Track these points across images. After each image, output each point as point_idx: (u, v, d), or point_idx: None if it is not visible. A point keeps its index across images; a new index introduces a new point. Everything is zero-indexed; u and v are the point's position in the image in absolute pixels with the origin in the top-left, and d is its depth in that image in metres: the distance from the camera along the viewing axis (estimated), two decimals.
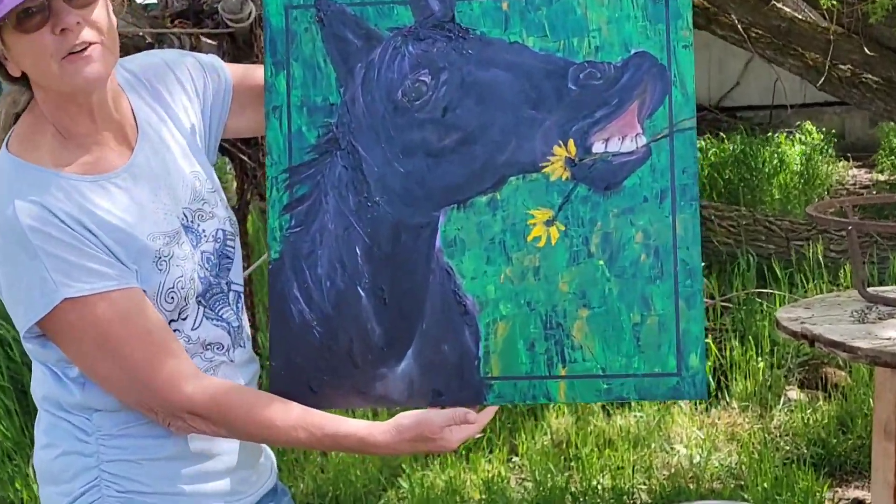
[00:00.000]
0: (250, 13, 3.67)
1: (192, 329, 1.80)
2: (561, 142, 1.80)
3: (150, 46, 3.84)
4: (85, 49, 1.66)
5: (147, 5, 4.30)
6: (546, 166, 1.80)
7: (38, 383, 1.82)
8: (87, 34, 1.67)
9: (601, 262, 1.80)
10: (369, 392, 1.82)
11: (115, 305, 1.69)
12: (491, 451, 4.13)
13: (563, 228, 1.80)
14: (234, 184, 4.44)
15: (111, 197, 1.73)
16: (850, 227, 2.75)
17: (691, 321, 1.79)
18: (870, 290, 2.84)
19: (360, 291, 1.82)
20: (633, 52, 1.80)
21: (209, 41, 3.74)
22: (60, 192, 1.68)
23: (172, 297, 1.75)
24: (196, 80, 1.92)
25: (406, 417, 1.77)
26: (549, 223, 1.81)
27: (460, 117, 1.81)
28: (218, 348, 1.84)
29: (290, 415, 1.75)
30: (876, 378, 2.70)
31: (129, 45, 4.11)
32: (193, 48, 3.60)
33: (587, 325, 1.79)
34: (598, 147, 1.79)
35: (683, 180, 1.79)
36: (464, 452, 4.06)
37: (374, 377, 1.81)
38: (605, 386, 1.79)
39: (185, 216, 1.82)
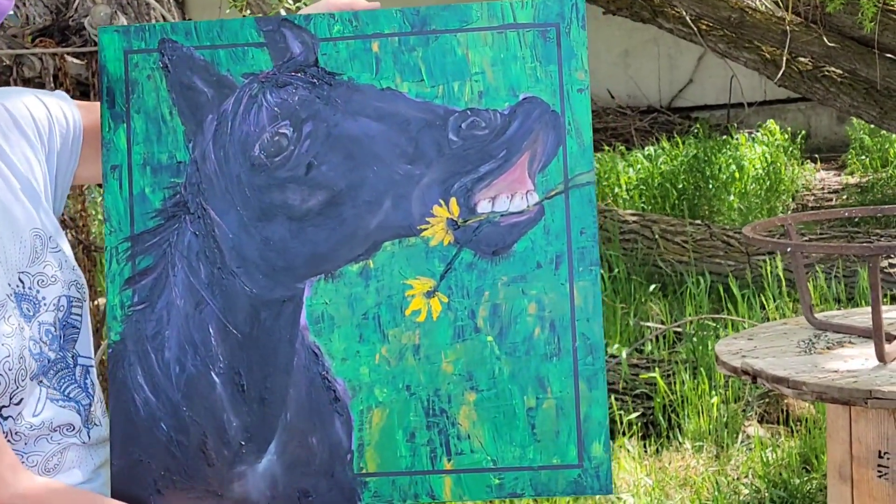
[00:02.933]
0: None
1: (33, 415, 1.67)
2: (442, 201, 1.69)
3: (8, 70, 3.70)
4: None
5: (1, 24, 4.17)
6: (425, 229, 1.69)
7: None
8: None
9: (490, 339, 1.69)
10: (226, 494, 1.69)
11: None
12: None
13: (445, 300, 1.69)
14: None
15: None
16: (789, 250, 2.67)
17: (593, 404, 1.68)
18: (818, 315, 2.76)
19: (215, 377, 1.70)
20: (521, 97, 1.69)
21: (76, 60, 3.63)
22: None
23: None
24: (39, 122, 1.77)
25: None
26: (429, 294, 1.69)
27: (326, 175, 1.70)
28: (68, 429, 1.72)
29: None
30: (827, 416, 2.62)
31: None
32: (58, 69, 3.48)
33: (475, 410, 1.68)
34: (483, 206, 1.68)
35: (582, 243, 1.69)
36: None
37: (232, 476, 1.69)
38: (497, 481, 1.68)
39: (22, 282, 1.68)
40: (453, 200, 1.69)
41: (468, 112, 1.69)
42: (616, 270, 5.80)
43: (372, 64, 1.71)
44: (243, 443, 1.69)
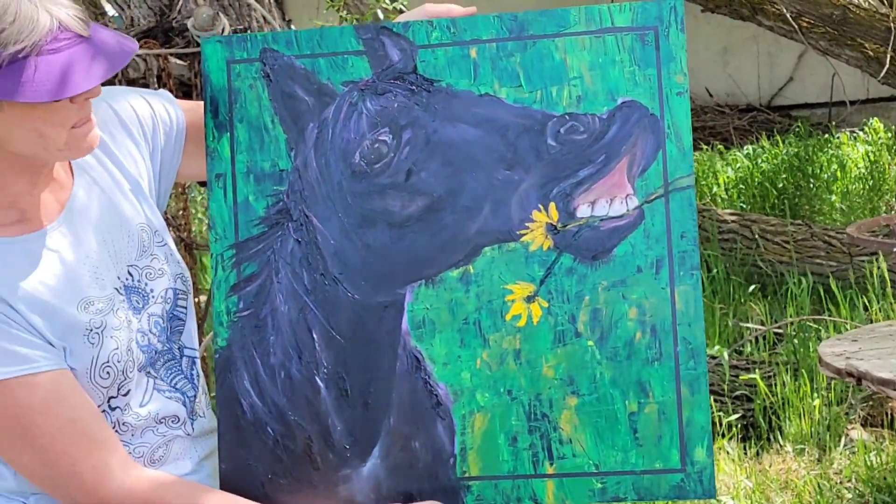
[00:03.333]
0: (223, 29, 3.63)
1: (140, 405, 1.73)
2: (541, 206, 1.70)
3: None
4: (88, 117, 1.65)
5: (109, 23, 4.27)
6: (525, 234, 1.71)
7: None
8: (91, 103, 1.66)
9: (590, 343, 1.70)
10: (331, 496, 1.73)
11: (36, 391, 1.61)
12: None
13: (545, 305, 1.71)
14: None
15: (39, 261, 1.66)
16: (894, 250, 2.65)
17: (696, 409, 1.68)
18: None
19: (319, 382, 1.74)
20: (620, 101, 1.70)
21: (178, 61, 3.70)
22: None
23: (108, 372, 1.68)
24: (142, 118, 1.84)
25: None
26: (529, 299, 1.71)
27: (426, 181, 1.72)
28: (173, 421, 1.77)
29: None
30: None
31: None
32: (161, 70, 3.56)
33: (576, 415, 1.70)
34: (583, 211, 1.70)
35: (682, 247, 1.69)
36: None
37: (337, 480, 1.72)
38: (599, 485, 1.69)
39: (131, 275, 1.74)
40: (552, 205, 1.70)
41: (567, 117, 1.70)
42: (715, 271, 5.74)
43: (470, 70, 1.73)
44: (348, 446, 1.72)
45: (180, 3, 4.08)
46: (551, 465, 1.70)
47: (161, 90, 1.93)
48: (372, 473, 1.72)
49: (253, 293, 1.75)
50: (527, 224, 1.71)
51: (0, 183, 1.66)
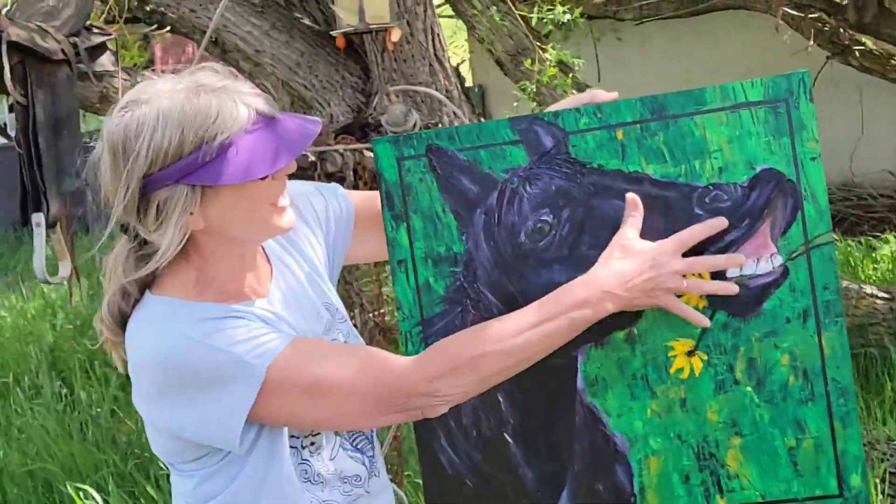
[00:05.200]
0: (415, 124, 3.86)
1: (330, 460, 1.99)
2: None
3: (314, 165, 4.07)
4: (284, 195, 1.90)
5: None
6: (682, 295, 1.93)
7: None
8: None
9: (749, 389, 1.93)
10: None
11: (302, 350, 1.86)
12: None
13: (705, 358, 1.94)
14: None
15: (252, 327, 1.87)
16: None
17: (849, 440, 1.91)
18: None
19: (508, 438, 1.99)
20: (758, 169, 1.90)
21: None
22: (209, 320, 1.85)
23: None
24: (318, 208, 2.11)
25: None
26: (690, 354, 1.94)
27: (587, 254, 1.94)
28: (356, 480, 2.02)
29: (510, 322, 1.88)
30: None
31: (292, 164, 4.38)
32: (357, 163, 3.79)
33: (741, 453, 1.94)
34: (732, 271, 1.92)
35: (826, 297, 1.91)
36: None
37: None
38: None
39: None
40: None
41: (710, 187, 1.91)
42: None
43: (618, 150, 1.94)
44: (539, 492, 1.98)
45: (376, 100, 4.29)
46: (721, 497, 1.94)
47: (334, 184, 2.18)
48: None
49: None
50: None
51: (214, 267, 1.92)
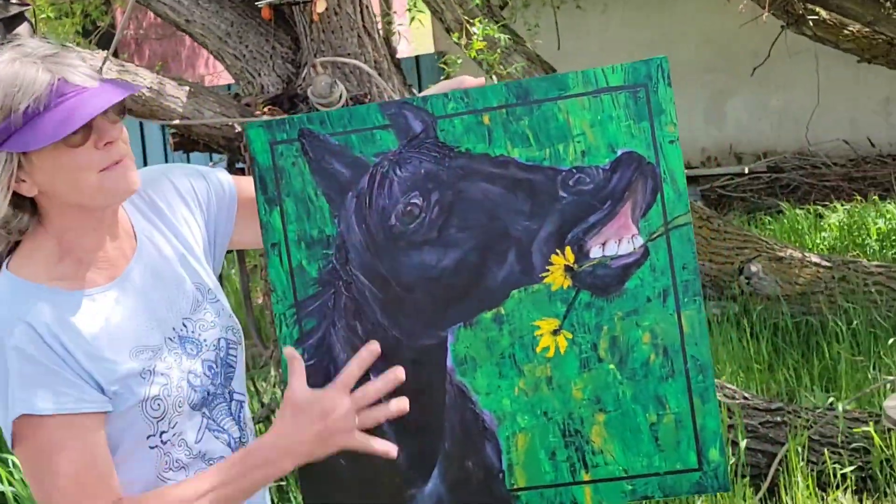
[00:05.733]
0: (340, 95, 3.89)
1: (195, 442, 2.04)
2: (558, 250, 1.98)
3: (240, 136, 4.10)
4: (119, 161, 1.93)
5: (237, 94, 4.57)
6: (546, 276, 1.99)
7: None
8: (122, 148, 1.94)
9: (612, 366, 1.99)
10: None
11: (60, 429, 1.89)
12: None
13: (570, 336, 1.99)
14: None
15: (99, 312, 1.95)
16: None
17: (707, 416, 1.98)
18: None
19: None
20: (619, 152, 1.96)
21: None
22: (48, 307, 1.91)
23: (158, 405, 1.97)
24: (198, 190, 2.15)
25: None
26: (555, 332, 2.00)
27: (456, 236, 2.00)
28: (219, 461, 2.05)
29: (189, 488, 1.94)
30: None
31: (218, 135, 4.42)
32: None
33: (605, 429, 2.00)
34: (595, 252, 1.97)
35: (684, 276, 1.97)
36: None
37: (404, 499, 2.04)
38: (630, 487, 2.00)
39: (185, 326, 2.05)
40: (568, 249, 1.98)
41: (574, 170, 1.97)
42: (856, 322, 5.89)
43: (485, 135, 1.99)
44: (411, 470, 2.04)
45: (305, 71, 4.31)
46: (587, 472, 2.01)
47: (218, 167, 2.22)
48: (434, 492, 2.04)
49: (314, 345, 2.05)
50: (547, 267, 1.99)
51: (69, 236, 1.97)
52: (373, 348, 1.99)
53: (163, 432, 1.99)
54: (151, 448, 1.99)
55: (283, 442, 1.94)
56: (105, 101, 1.88)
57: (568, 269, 1.98)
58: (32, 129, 1.86)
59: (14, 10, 3.74)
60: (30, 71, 1.87)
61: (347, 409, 1.94)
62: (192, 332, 2.06)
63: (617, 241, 1.97)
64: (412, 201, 2.01)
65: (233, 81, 4.94)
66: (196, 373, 2.04)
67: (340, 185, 2.04)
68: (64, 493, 1.90)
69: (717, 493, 4.04)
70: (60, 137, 1.85)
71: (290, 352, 1.99)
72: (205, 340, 2.07)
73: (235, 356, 2.13)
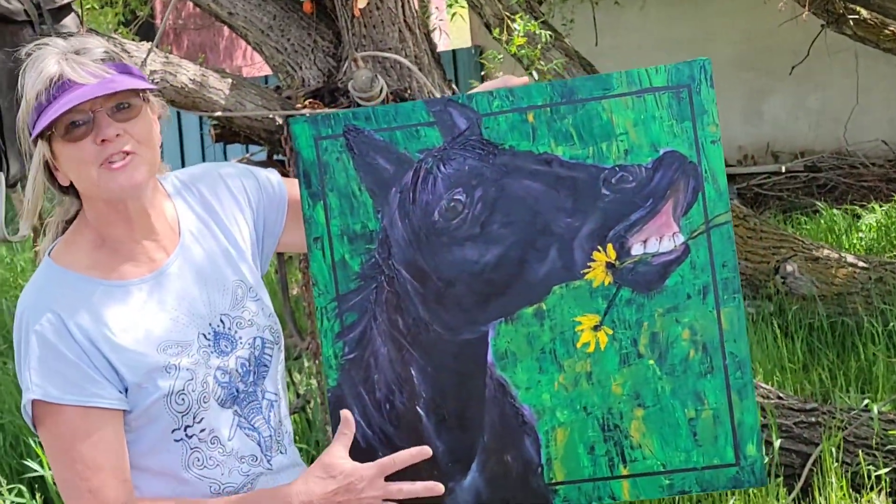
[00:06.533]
0: (381, 89, 3.92)
1: (228, 440, 2.07)
2: (600, 247, 2.01)
3: (280, 129, 4.13)
4: (122, 158, 1.96)
5: (278, 87, 4.61)
6: (588, 272, 2.02)
7: None
8: (127, 145, 1.97)
9: (651, 362, 2.02)
10: None
11: (76, 419, 1.95)
12: None
13: (610, 332, 2.02)
14: None
15: (132, 304, 2.01)
16: None
17: (745, 412, 2.01)
18: None
19: (420, 411, 2.08)
20: (662, 151, 1.99)
21: None
22: (79, 297, 1.97)
23: (183, 399, 2.01)
24: (249, 190, 2.19)
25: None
26: (596, 328, 2.03)
27: (498, 232, 2.03)
28: (252, 460, 2.09)
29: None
30: None
31: (259, 128, 4.46)
32: None
33: (644, 424, 2.03)
34: (636, 249, 2.00)
35: (724, 274, 1.99)
36: None
37: (443, 492, 2.08)
38: (667, 481, 2.03)
39: (223, 322, 2.09)
40: (609, 246, 2.01)
41: (616, 168, 2.00)
42: (892, 324, 5.89)
43: (529, 133, 2.02)
44: (450, 464, 2.07)
45: (345, 65, 4.35)
46: (625, 467, 2.03)
47: (271, 169, 2.26)
48: (472, 485, 2.07)
49: (356, 339, 2.08)
50: (589, 264, 2.02)
51: (102, 226, 2.03)
52: (425, 451, 2.04)
53: (187, 426, 2.03)
54: (177, 441, 2.03)
55: (300, 498, 1.99)
56: (81, 96, 1.93)
57: (609, 265, 2.01)
58: (39, 119, 1.95)
59: (62, 1, 3.77)
60: (48, 66, 1.95)
61: (374, 495, 2.00)
62: (229, 328, 2.09)
63: (658, 239, 2.00)
64: (455, 197, 2.05)
65: (270, 73, 4.96)
66: (225, 370, 2.06)
67: (384, 180, 2.07)
68: (76, 480, 1.97)
69: (751, 492, 4.05)
70: (39, 130, 1.94)
71: (346, 415, 2.05)
72: (240, 338, 2.10)
73: (271, 356, 2.15)
